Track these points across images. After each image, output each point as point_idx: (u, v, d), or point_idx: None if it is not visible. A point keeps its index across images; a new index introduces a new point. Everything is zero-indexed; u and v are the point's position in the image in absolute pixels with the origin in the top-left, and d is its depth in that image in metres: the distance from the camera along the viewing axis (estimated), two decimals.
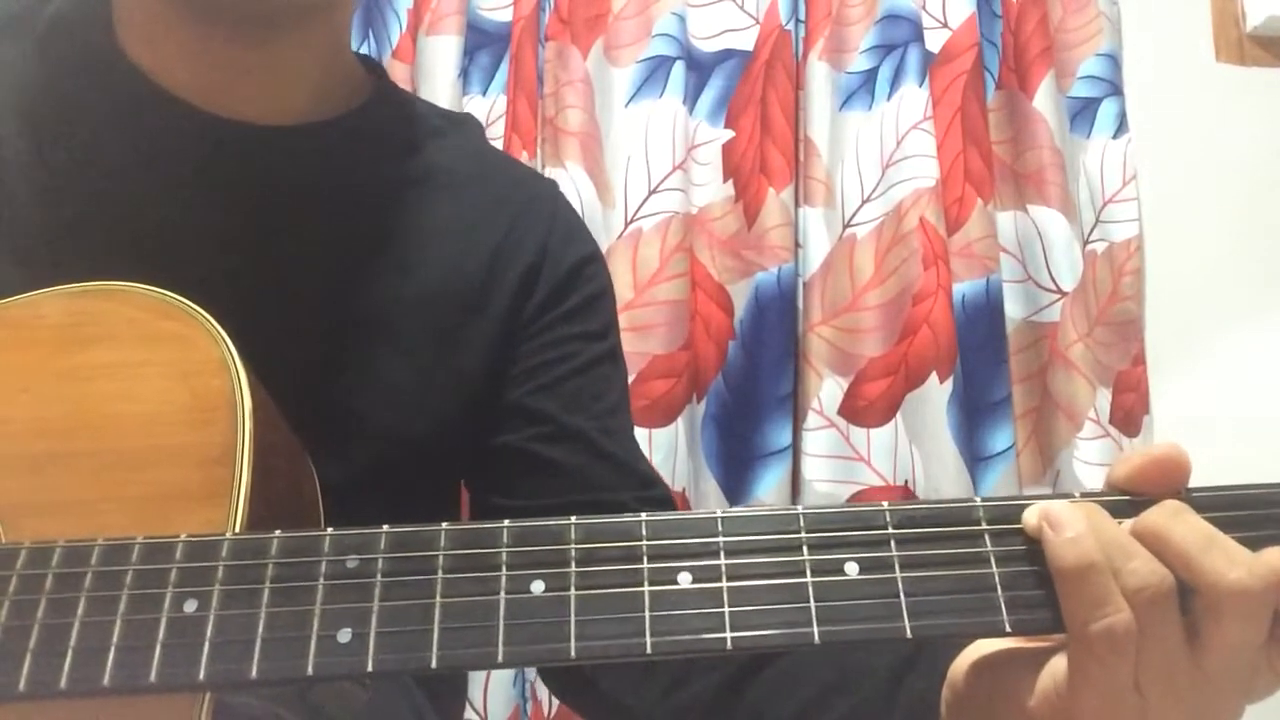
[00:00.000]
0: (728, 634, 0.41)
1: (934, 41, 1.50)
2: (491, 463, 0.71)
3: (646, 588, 0.42)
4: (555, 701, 1.32)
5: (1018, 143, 1.52)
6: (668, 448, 1.33)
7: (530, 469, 0.70)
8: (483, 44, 1.45)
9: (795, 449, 1.40)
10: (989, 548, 0.43)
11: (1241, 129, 1.61)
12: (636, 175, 1.40)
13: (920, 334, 1.38)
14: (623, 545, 0.43)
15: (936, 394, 1.37)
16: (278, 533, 0.44)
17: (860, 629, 0.42)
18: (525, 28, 1.44)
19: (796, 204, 1.46)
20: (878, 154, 1.44)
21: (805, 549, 0.43)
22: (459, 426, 0.69)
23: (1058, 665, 0.43)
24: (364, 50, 1.44)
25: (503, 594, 0.42)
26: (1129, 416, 1.48)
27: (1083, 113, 1.54)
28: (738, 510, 0.45)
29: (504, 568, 0.43)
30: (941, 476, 1.36)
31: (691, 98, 1.47)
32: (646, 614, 0.42)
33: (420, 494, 0.68)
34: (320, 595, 0.42)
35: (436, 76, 1.39)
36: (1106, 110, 1.54)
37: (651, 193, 1.40)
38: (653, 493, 0.72)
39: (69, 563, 0.44)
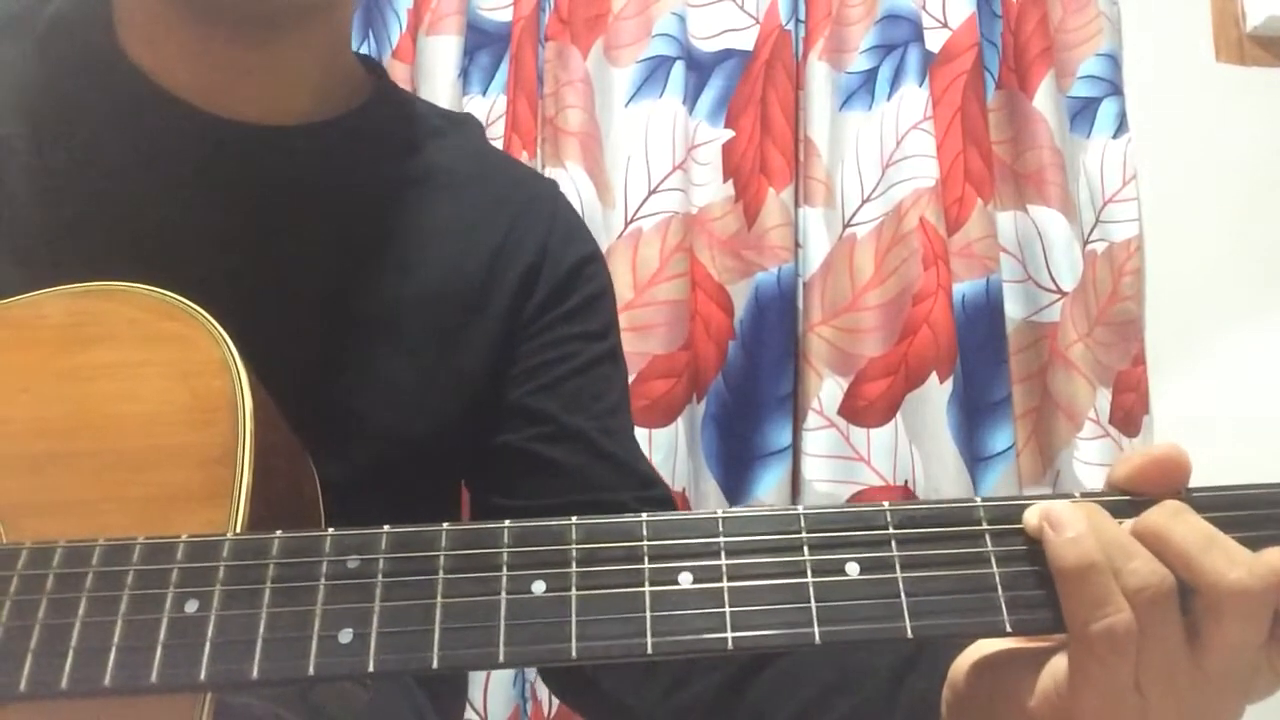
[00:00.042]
0: (729, 634, 0.41)
1: (934, 41, 1.50)
2: (492, 463, 0.71)
3: (647, 588, 0.42)
4: (555, 701, 1.32)
5: (1018, 143, 1.52)
6: (668, 448, 1.33)
7: (531, 469, 0.70)
8: (483, 44, 1.45)
9: (795, 449, 1.40)
10: (990, 548, 0.43)
11: (1241, 129, 1.61)
12: (636, 175, 1.40)
13: (920, 334, 1.38)
14: (624, 545, 0.43)
15: (936, 394, 1.37)
16: (279, 533, 0.44)
17: (861, 629, 0.42)
18: (525, 28, 1.44)
19: (796, 204, 1.46)
20: (878, 154, 1.44)
21: (806, 549, 0.43)
22: (459, 426, 0.69)
23: (1058, 665, 0.43)
24: (364, 50, 1.44)
25: (504, 594, 0.42)
26: (1129, 416, 1.48)
27: (1083, 113, 1.54)
28: (738, 510, 0.45)
29: (505, 568, 0.43)
30: (941, 476, 1.36)
31: (691, 98, 1.47)
32: (647, 614, 0.42)
33: (421, 494, 0.68)
34: (321, 595, 0.42)
35: (436, 76, 1.39)
36: (1106, 110, 1.54)
37: (651, 193, 1.40)
38: (653, 493, 0.72)
39: (70, 563, 0.44)
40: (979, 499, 0.45)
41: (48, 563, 0.44)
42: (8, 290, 0.54)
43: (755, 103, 1.47)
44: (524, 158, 1.38)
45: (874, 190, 1.44)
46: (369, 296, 0.66)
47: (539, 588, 0.42)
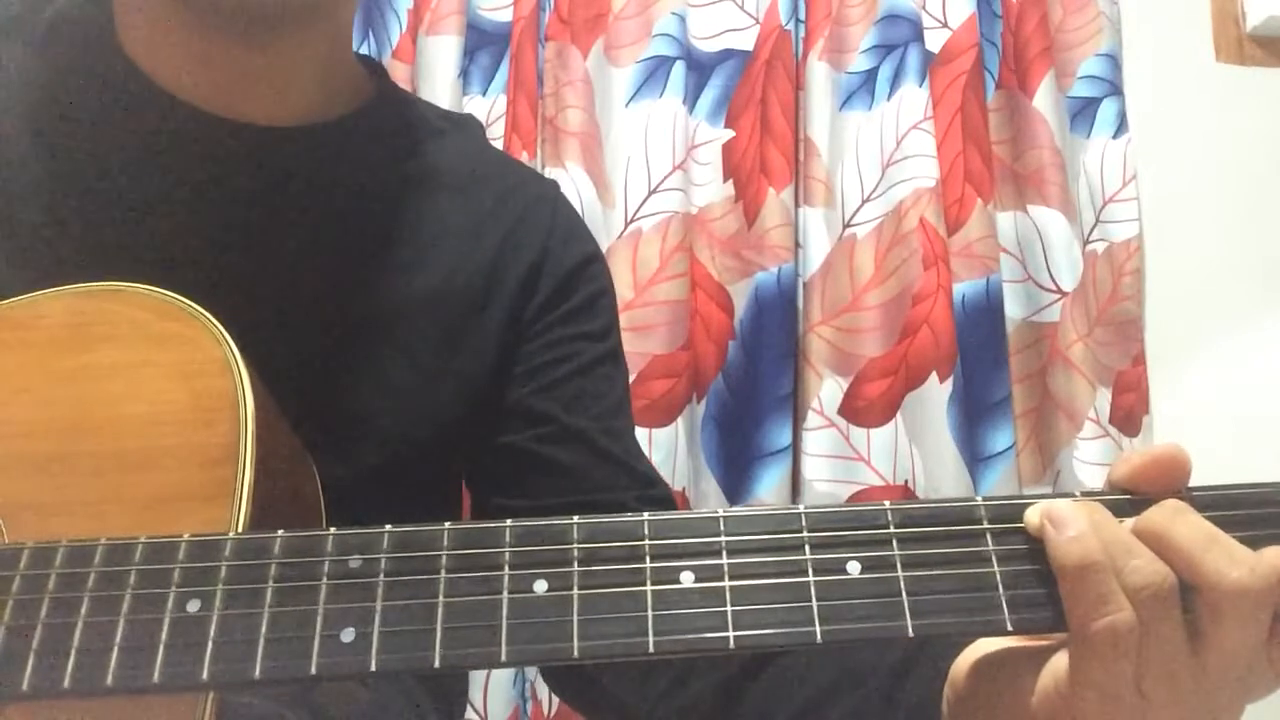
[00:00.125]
0: (730, 633, 0.42)
1: (934, 41, 1.50)
2: (493, 463, 0.71)
3: (649, 587, 0.42)
4: (555, 701, 1.32)
5: (1018, 143, 1.52)
6: (668, 448, 1.33)
7: (532, 469, 0.70)
8: (483, 44, 1.45)
9: (795, 449, 1.40)
10: (990, 547, 0.43)
11: (1241, 129, 1.61)
12: (636, 175, 1.41)
13: (920, 334, 1.38)
14: (625, 545, 0.43)
15: (936, 394, 1.37)
16: (280, 532, 0.44)
17: (862, 628, 0.42)
18: (525, 28, 1.44)
19: (796, 204, 1.46)
20: (878, 154, 1.45)
21: (807, 548, 0.43)
22: (460, 427, 0.69)
23: (1059, 664, 0.43)
24: (364, 50, 1.44)
25: (505, 593, 0.42)
26: (1129, 416, 1.48)
27: (1083, 113, 1.55)
28: (739, 510, 0.45)
29: (506, 567, 0.43)
30: (941, 476, 1.36)
31: (691, 98, 1.47)
32: (649, 613, 0.42)
33: (422, 494, 0.68)
34: (323, 595, 0.42)
35: (436, 76, 1.39)
36: (1106, 110, 1.54)
37: (651, 193, 1.40)
38: (654, 492, 0.72)
39: (72, 563, 0.44)
40: (980, 498, 0.45)
41: (50, 563, 0.44)
42: (8, 290, 0.54)
43: (755, 103, 1.47)
44: (524, 158, 1.38)
45: (874, 190, 1.44)
46: (370, 297, 0.66)
47: (540, 587, 0.42)
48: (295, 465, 0.55)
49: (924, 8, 1.50)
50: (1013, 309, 1.48)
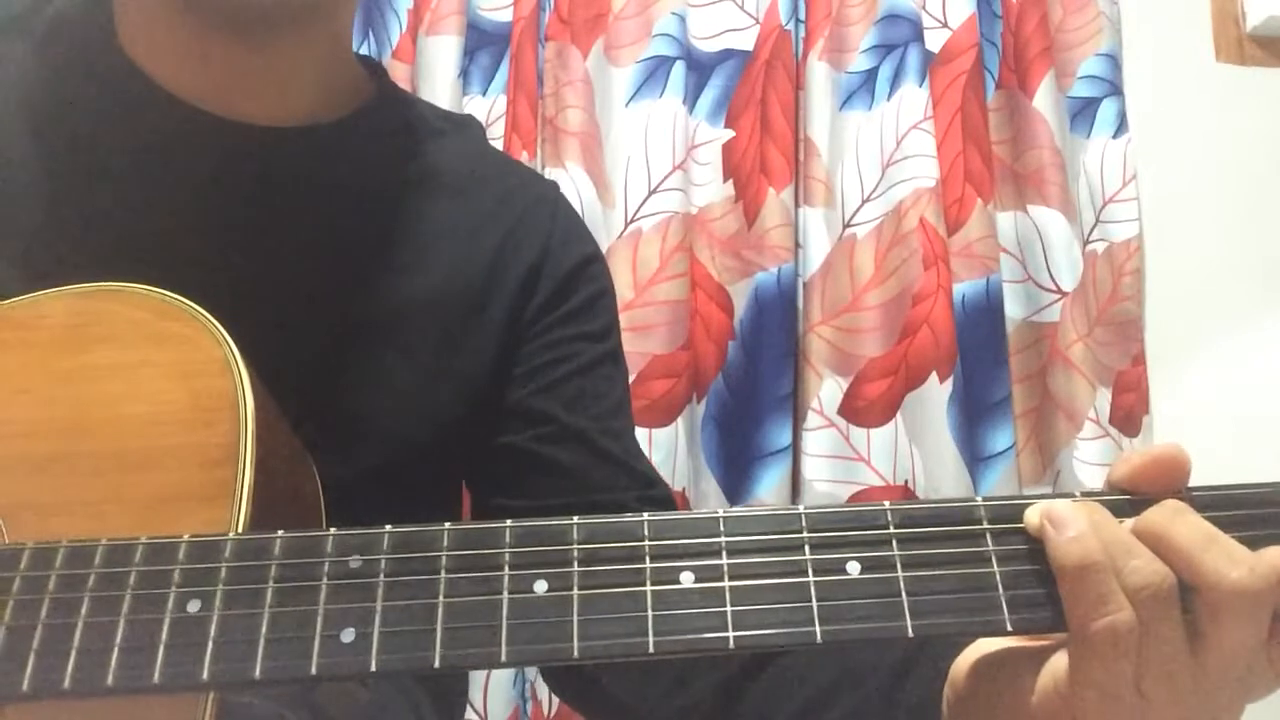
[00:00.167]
0: (730, 633, 0.42)
1: (934, 41, 1.50)
2: (493, 463, 0.71)
3: (649, 587, 0.42)
4: (555, 701, 1.32)
5: (1018, 143, 1.52)
6: (668, 448, 1.33)
7: (532, 469, 0.70)
8: (483, 44, 1.45)
9: (795, 449, 1.40)
10: (990, 547, 0.44)
11: (1241, 129, 1.61)
12: (636, 175, 1.41)
13: (920, 334, 1.38)
14: (625, 545, 0.43)
15: (936, 394, 1.37)
16: (281, 533, 0.44)
17: (862, 628, 0.42)
18: (525, 28, 1.44)
19: (796, 204, 1.46)
20: (878, 154, 1.45)
21: (807, 548, 0.43)
22: (461, 427, 0.69)
23: (1058, 663, 0.43)
24: (364, 50, 1.44)
25: (505, 594, 0.42)
26: (1129, 416, 1.48)
27: (1083, 113, 1.55)
28: (739, 510, 0.45)
29: (507, 568, 0.43)
30: (941, 476, 1.36)
31: (691, 98, 1.47)
32: (649, 613, 0.42)
33: (422, 495, 0.68)
34: (323, 595, 0.42)
35: (436, 76, 1.39)
36: (1106, 110, 1.54)
37: (651, 193, 1.40)
38: (654, 492, 0.72)
39: (72, 563, 0.44)
40: (980, 498, 0.45)
41: (50, 563, 0.44)
42: (9, 290, 0.54)
43: (755, 103, 1.47)
44: (524, 158, 1.38)
45: (874, 190, 1.44)
46: (370, 298, 0.66)
47: (541, 587, 0.42)
48: (295, 465, 0.55)
49: (924, 8, 1.50)
50: (1013, 309, 1.49)
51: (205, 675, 0.41)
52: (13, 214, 0.62)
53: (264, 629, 0.41)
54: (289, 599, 0.42)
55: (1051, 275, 1.47)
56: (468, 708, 1.18)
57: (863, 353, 1.39)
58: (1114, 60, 1.55)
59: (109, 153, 0.63)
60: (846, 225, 1.44)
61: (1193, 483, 0.45)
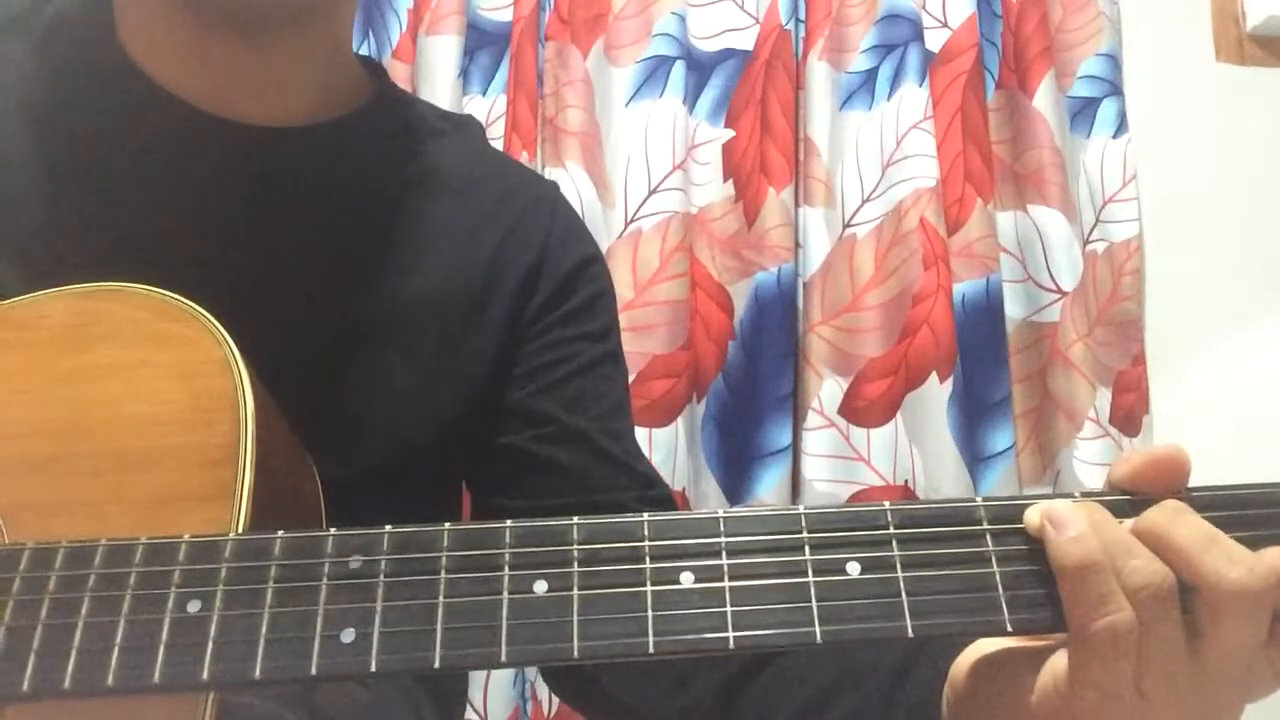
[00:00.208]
0: (730, 633, 0.42)
1: (934, 41, 1.50)
2: (493, 464, 0.71)
3: (649, 587, 0.42)
4: (555, 701, 1.32)
5: (1018, 143, 1.52)
6: (668, 448, 1.33)
7: (532, 469, 0.70)
8: (483, 44, 1.45)
9: (795, 449, 1.40)
10: (990, 547, 0.44)
11: (1241, 129, 1.61)
12: (636, 175, 1.41)
13: (920, 334, 1.38)
14: (625, 545, 0.43)
15: (936, 394, 1.37)
16: (281, 533, 0.44)
17: (862, 628, 0.42)
18: (525, 28, 1.44)
19: (796, 204, 1.46)
20: (878, 154, 1.45)
21: (807, 549, 0.43)
22: (460, 428, 0.69)
23: (1058, 663, 0.43)
24: (364, 50, 1.44)
25: (505, 594, 0.42)
26: (1129, 416, 1.48)
27: (1083, 113, 1.55)
28: (739, 510, 0.45)
29: (507, 568, 0.43)
30: (941, 476, 1.36)
31: (691, 98, 1.47)
32: (649, 614, 0.42)
33: (422, 495, 0.68)
34: (323, 595, 0.42)
35: (436, 76, 1.39)
36: (1106, 110, 1.54)
37: (651, 193, 1.40)
38: (654, 493, 0.72)
39: (72, 564, 0.44)
40: (979, 499, 0.45)
41: (50, 564, 0.44)
42: (8, 290, 0.54)
43: (755, 103, 1.47)
44: (524, 158, 1.38)
45: (874, 190, 1.44)
46: (370, 298, 0.66)
47: (541, 587, 0.42)
48: (295, 465, 0.55)
49: (924, 8, 1.50)
50: (1013, 309, 1.49)
51: (205, 675, 0.41)
52: (12, 214, 0.62)
53: (264, 629, 0.41)
54: (289, 599, 0.42)
55: (1051, 275, 1.47)
56: (468, 708, 1.18)
57: (863, 353, 1.39)
58: (1114, 60, 1.55)
59: (109, 152, 0.63)
60: (846, 225, 1.44)
61: (1193, 483, 0.45)
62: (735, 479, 1.40)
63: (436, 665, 0.41)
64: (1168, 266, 1.55)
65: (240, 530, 0.46)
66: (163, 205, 0.63)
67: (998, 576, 0.43)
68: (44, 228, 0.62)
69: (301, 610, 0.42)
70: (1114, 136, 1.53)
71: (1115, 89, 1.55)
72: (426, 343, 0.67)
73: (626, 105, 1.43)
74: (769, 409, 1.39)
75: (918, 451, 1.38)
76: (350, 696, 0.50)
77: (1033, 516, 0.43)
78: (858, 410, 1.39)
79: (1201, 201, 1.58)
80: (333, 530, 0.44)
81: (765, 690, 0.59)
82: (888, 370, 1.39)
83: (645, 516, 0.44)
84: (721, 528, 0.44)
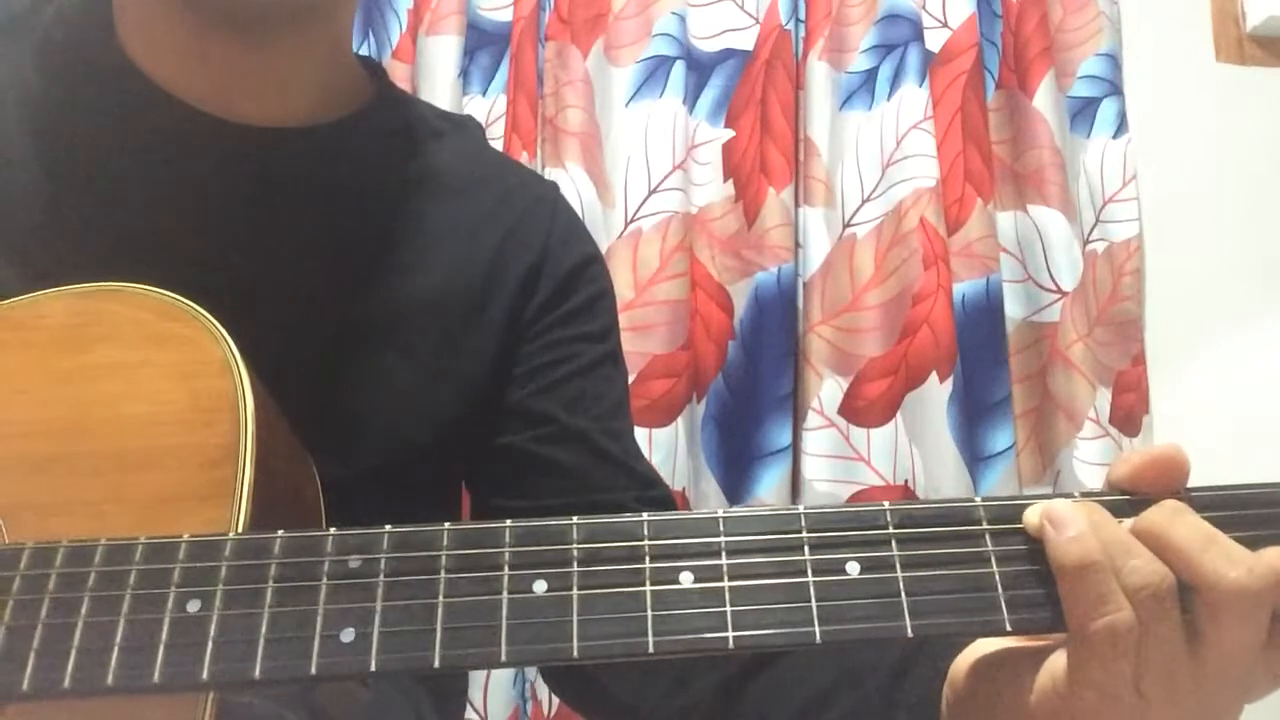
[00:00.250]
0: (729, 633, 0.42)
1: (934, 41, 1.50)
2: (493, 464, 0.71)
3: (649, 587, 0.42)
4: (555, 701, 1.32)
5: (1018, 143, 1.52)
6: (668, 448, 1.33)
7: (532, 470, 0.70)
8: (483, 44, 1.45)
9: (795, 449, 1.40)
10: (990, 547, 0.44)
11: (1241, 129, 1.61)
12: (636, 175, 1.41)
13: (920, 334, 1.38)
14: (625, 545, 0.43)
15: (936, 394, 1.37)
16: (280, 533, 0.44)
17: (861, 628, 0.42)
18: (525, 28, 1.44)
19: (796, 204, 1.46)
20: (878, 154, 1.45)
21: (806, 549, 0.43)
22: (461, 427, 0.69)
23: (1057, 663, 0.43)
24: (364, 50, 1.44)
25: (505, 594, 0.42)
26: (1129, 416, 1.48)
27: (1083, 113, 1.55)
28: (739, 510, 0.45)
29: (506, 568, 0.43)
30: (941, 476, 1.36)
31: (691, 98, 1.47)
32: (649, 613, 0.42)
33: (422, 495, 0.68)
34: (323, 595, 0.42)
35: (436, 76, 1.39)
36: (1106, 110, 1.54)
37: (651, 193, 1.40)
38: (654, 493, 0.72)
39: (72, 563, 0.44)
40: (979, 499, 0.45)
41: (50, 563, 0.44)
42: (8, 290, 0.54)
43: (755, 103, 1.47)
44: (524, 158, 1.38)
45: (874, 190, 1.44)
46: (370, 298, 0.66)
47: (540, 587, 0.42)
48: (295, 465, 0.55)
49: (924, 8, 1.50)
50: (1013, 309, 1.49)
51: (205, 675, 0.41)
52: (12, 214, 0.62)
53: (264, 629, 0.41)
54: (289, 599, 0.42)
55: (1051, 275, 1.47)
56: (468, 708, 1.18)
57: (863, 352, 1.39)
58: (1114, 60, 1.55)
59: (108, 153, 0.63)
60: (846, 225, 1.44)
61: (1193, 483, 0.45)
62: (735, 479, 1.40)
63: (436, 665, 0.41)
64: (1168, 266, 1.55)
65: (240, 530, 0.46)
66: (162, 205, 0.63)
67: (997, 576, 0.43)
68: (44, 228, 0.62)
69: (301, 610, 0.42)
70: (1114, 136, 1.53)
71: (1115, 89, 1.55)
72: (426, 343, 0.67)
73: (626, 105, 1.43)
74: (769, 409, 1.39)
75: (918, 451, 1.38)
76: (350, 696, 0.50)
77: (1032, 516, 0.43)
78: (858, 410, 1.39)
79: (1201, 201, 1.58)
80: (332, 530, 0.44)
81: (765, 690, 0.59)
82: (888, 370, 1.39)
83: (645, 516, 0.44)
84: (721, 528, 0.44)
